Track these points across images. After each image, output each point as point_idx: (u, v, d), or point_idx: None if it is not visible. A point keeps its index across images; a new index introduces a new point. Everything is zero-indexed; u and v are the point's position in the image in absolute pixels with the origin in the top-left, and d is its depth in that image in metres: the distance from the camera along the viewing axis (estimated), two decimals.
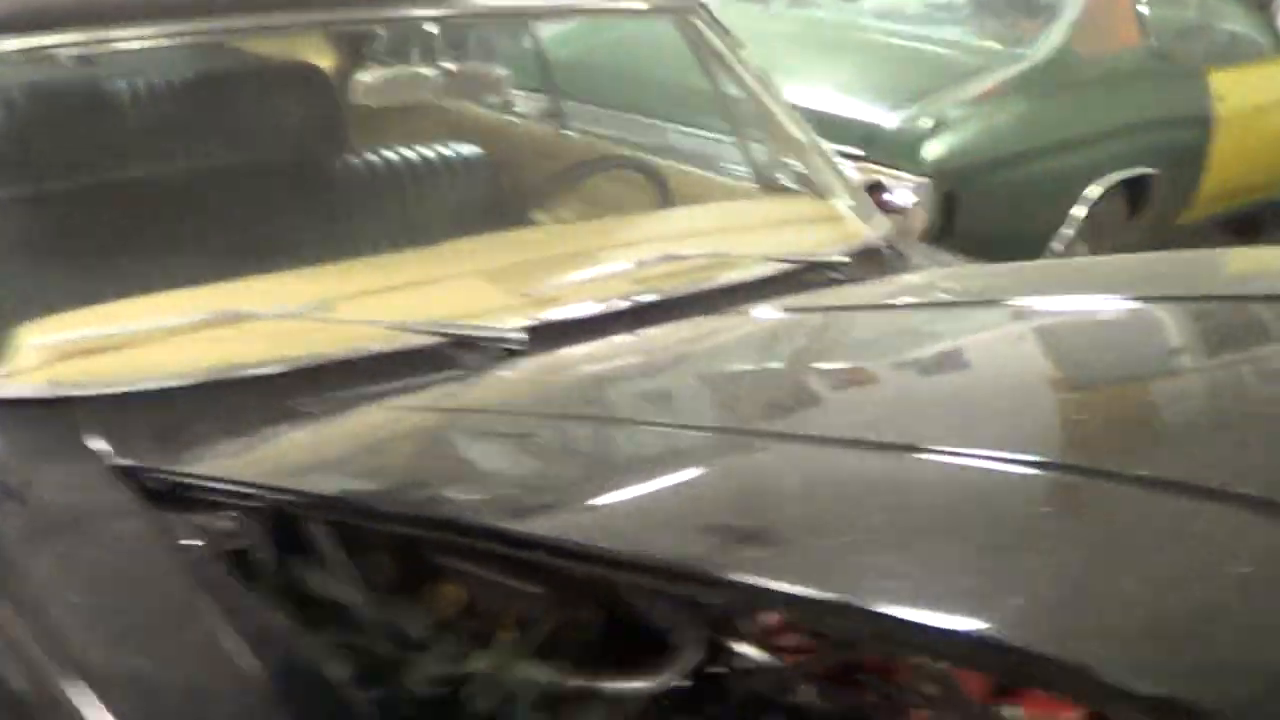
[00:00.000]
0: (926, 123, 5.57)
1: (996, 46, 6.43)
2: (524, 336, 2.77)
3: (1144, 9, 6.69)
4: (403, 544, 1.87)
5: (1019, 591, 1.22)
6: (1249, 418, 1.64)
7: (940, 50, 6.34)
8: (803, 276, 3.25)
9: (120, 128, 4.15)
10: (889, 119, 5.62)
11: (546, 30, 6.43)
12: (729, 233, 3.44)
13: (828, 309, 2.68)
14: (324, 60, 4.90)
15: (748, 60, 3.90)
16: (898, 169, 5.48)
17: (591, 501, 1.73)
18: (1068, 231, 6.06)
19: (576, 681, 1.66)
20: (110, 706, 1.81)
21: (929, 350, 2.22)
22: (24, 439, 2.46)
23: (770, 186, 3.94)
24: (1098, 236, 6.39)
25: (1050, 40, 6.30)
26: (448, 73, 3.41)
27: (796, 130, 3.83)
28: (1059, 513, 1.37)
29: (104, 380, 2.58)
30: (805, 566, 1.37)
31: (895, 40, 6.49)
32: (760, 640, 1.58)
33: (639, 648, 1.65)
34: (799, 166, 3.84)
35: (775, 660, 1.55)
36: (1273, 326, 2.06)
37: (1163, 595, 1.21)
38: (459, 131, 4.46)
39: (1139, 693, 1.08)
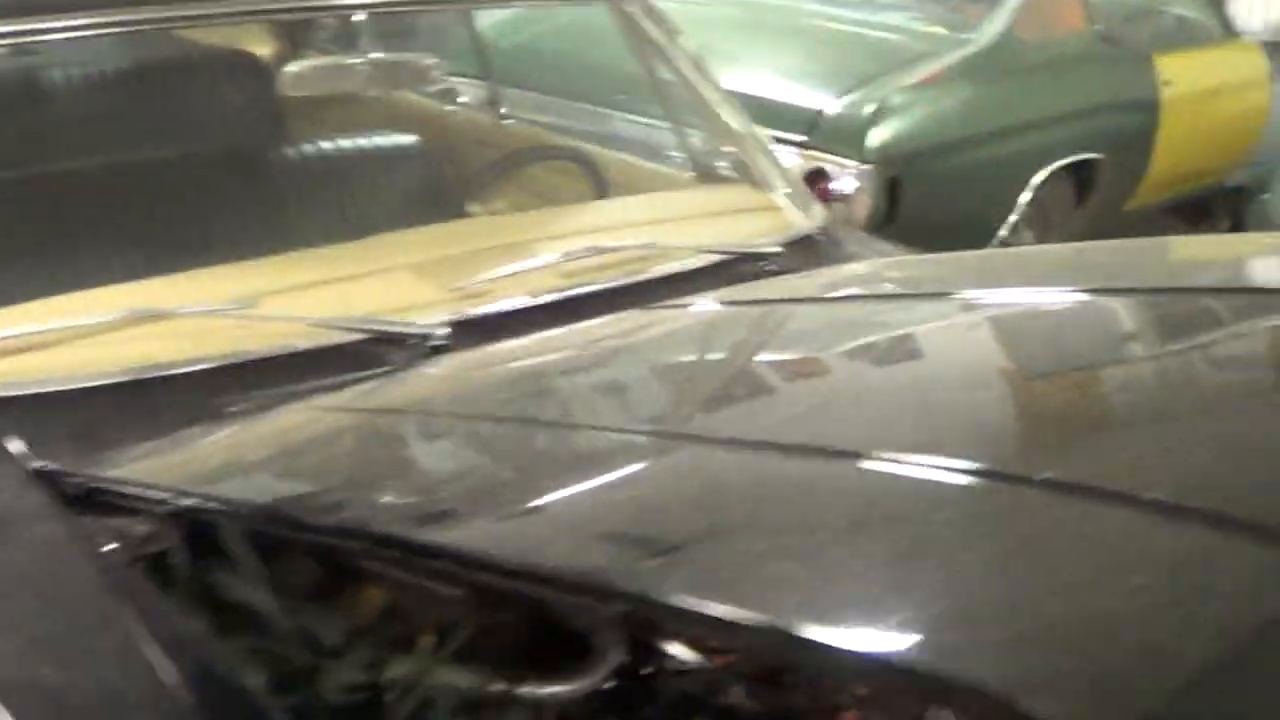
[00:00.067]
0: (869, 109, 5.54)
1: (941, 31, 6.39)
2: (447, 332, 2.74)
3: None
4: (320, 548, 1.84)
5: (915, 604, 1.20)
6: (1172, 418, 1.61)
7: (884, 35, 6.31)
8: (736, 268, 3.22)
9: (44, 120, 4.09)
10: (832, 105, 5.58)
11: (492, 17, 6.42)
12: (662, 223, 3.41)
13: (765, 302, 2.65)
14: (264, 50, 4.87)
15: (683, 47, 3.86)
16: (841, 156, 5.45)
17: (494, 508, 1.70)
18: (1014, 218, 6.03)
19: (497, 686, 1.63)
20: (21, 716, 1.78)
21: (858, 347, 2.19)
22: None
23: (707, 175, 3.92)
24: (1044, 224, 6.37)
25: (994, 25, 6.27)
26: (375, 63, 3.37)
27: (732, 118, 3.81)
28: (965, 519, 1.34)
29: (21, 381, 2.54)
30: (699, 577, 1.34)
31: (839, 25, 6.45)
32: (688, 641, 1.55)
33: (563, 650, 1.62)
34: (735, 155, 3.81)
35: (704, 661, 1.52)
36: (1208, 321, 2.04)
37: (1059, 607, 1.19)
38: (399, 121, 4.41)
39: (1031, 712, 1.05)
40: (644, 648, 1.54)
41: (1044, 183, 6.16)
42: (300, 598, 1.85)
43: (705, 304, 2.66)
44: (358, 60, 3.38)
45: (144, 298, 2.79)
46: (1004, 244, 6.02)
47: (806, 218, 3.56)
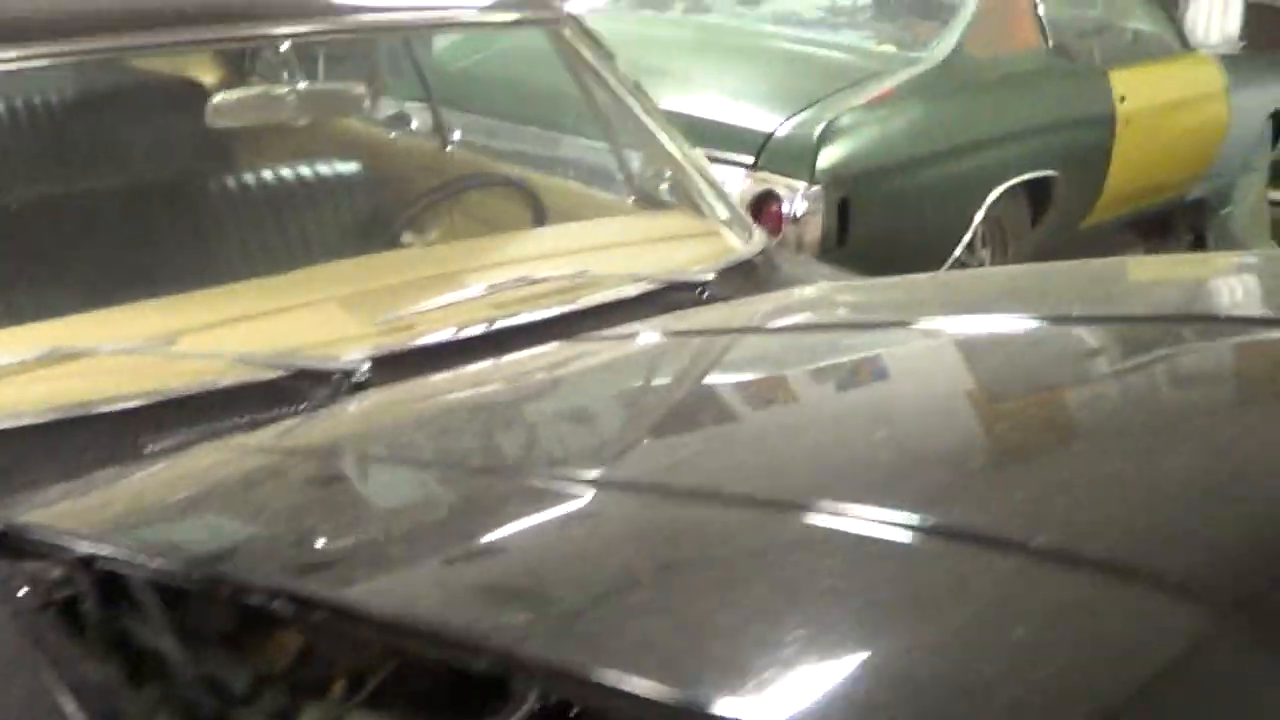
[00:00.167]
0: (818, 129, 5.48)
1: (892, 50, 6.35)
2: (367, 367, 2.71)
3: (1042, 9, 6.63)
4: (225, 596, 1.79)
5: (780, 664, 1.14)
6: (1083, 456, 1.56)
7: (835, 55, 6.26)
8: (670, 296, 3.18)
9: None
10: (781, 126, 5.53)
11: (442, 41, 6.39)
12: (597, 251, 3.37)
13: (702, 333, 2.60)
14: (209, 77, 4.83)
15: (619, 71, 3.82)
16: (791, 177, 5.40)
17: (379, 557, 1.65)
18: (968, 237, 5.99)
19: None
20: None
21: (772, 383, 2.14)
22: None
23: (647, 200, 3.87)
24: (1000, 242, 6.34)
25: (945, 43, 6.22)
26: (303, 92, 3.32)
27: (669, 142, 3.76)
28: (846, 569, 1.30)
29: None
30: (560, 634, 1.30)
31: (790, 45, 6.39)
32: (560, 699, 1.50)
33: (478, 697, 1.57)
34: (673, 179, 3.77)
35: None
36: (1150, 352, 1.99)
37: (930, 666, 1.14)
38: (340, 148, 4.37)
39: None
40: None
41: (998, 201, 6.10)
42: (210, 644, 1.81)
43: (646, 334, 2.61)
44: (285, 89, 3.31)
45: (65, 335, 2.75)
46: (959, 264, 5.98)
47: (745, 243, 3.52)
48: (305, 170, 4.01)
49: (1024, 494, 1.41)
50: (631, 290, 3.16)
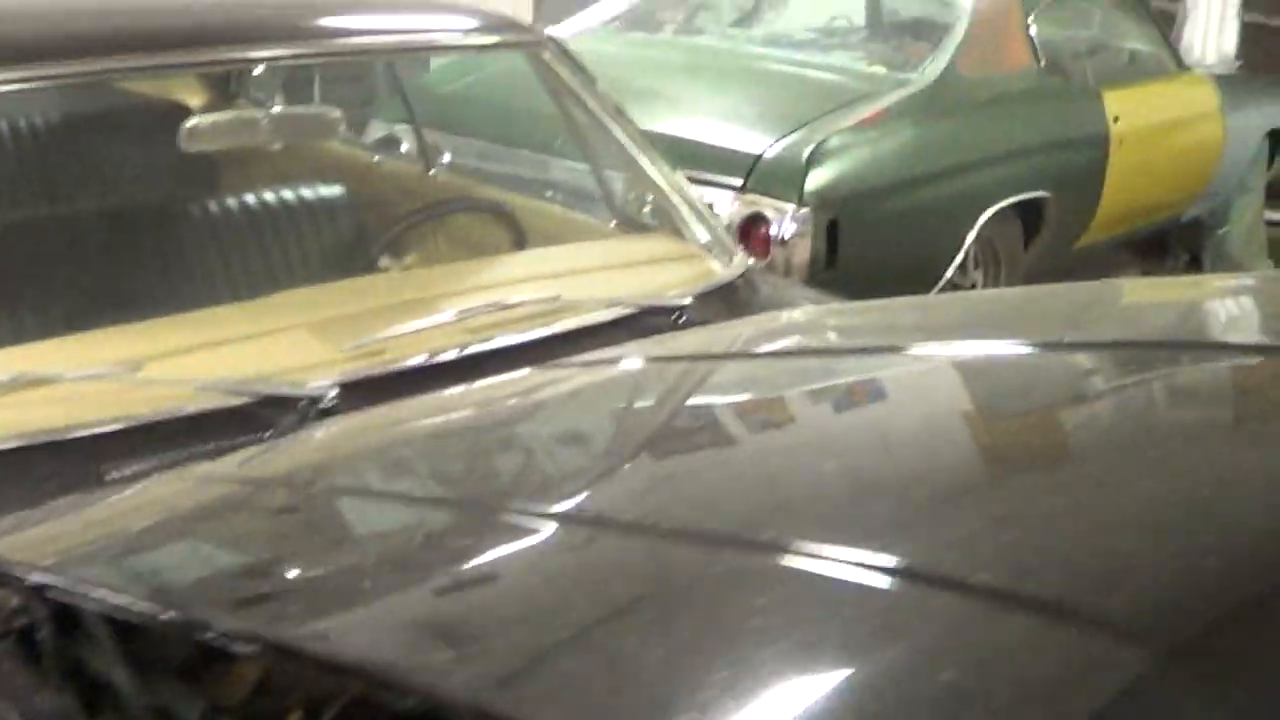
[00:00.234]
0: (806, 151, 5.45)
1: (882, 71, 6.33)
2: (333, 394, 2.69)
3: (1034, 30, 6.60)
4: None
5: (694, 707, 1.11)
6: (1037, 490, 1.53)
7: (826, 77, 6.24)
8: (647, 320, 3.15)
9: None
10: (769, 148, 5.51)
11: (430, 66, 6.38)
12: (573, 275, 3.35)
13: (681, 358, 2.56)
14: (195, 99, 4.81)
15: (600, 94, 3.79)
16: (780, 200, 5.37)
17: (314, 591, 1.63)
18: (960, 259, 5.96)
19: None
20: None
21: (735, 413, 2.11)
22: None
23: (629, 224, 3.85)
24: (993, 264, 6.31)
25: (935, 64, 6.19)
26: (276, 116, 3.30)
27: (649, 165, 3.74)
28: (776, 607, 1.26)
29: None
30: (485, 673, 1.27)
31: (781, 67, 6.37)
32: None
33: None
34: (655, 203, 3.74)
35: None
36: (1128, 382, 1.95)
37: (856, 707, 1.11)
38: (323, 172, 4.35)
39: None
40: None
41: (990, 222, 6.07)
42: (164, 676, 1.78)
43: (621, 360, 2.58)
44: (258, 113, 3.29)
45: (33, 361, 2.75)
46: (951, 286, 5.95)
47: (726, 266, 3.49)
48: (285, 194, 3.98)
49: (969, 529, 1.38)
50: (606, 315, 3.13)
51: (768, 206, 5.38)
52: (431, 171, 4.45)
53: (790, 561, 1.34)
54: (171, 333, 2.93)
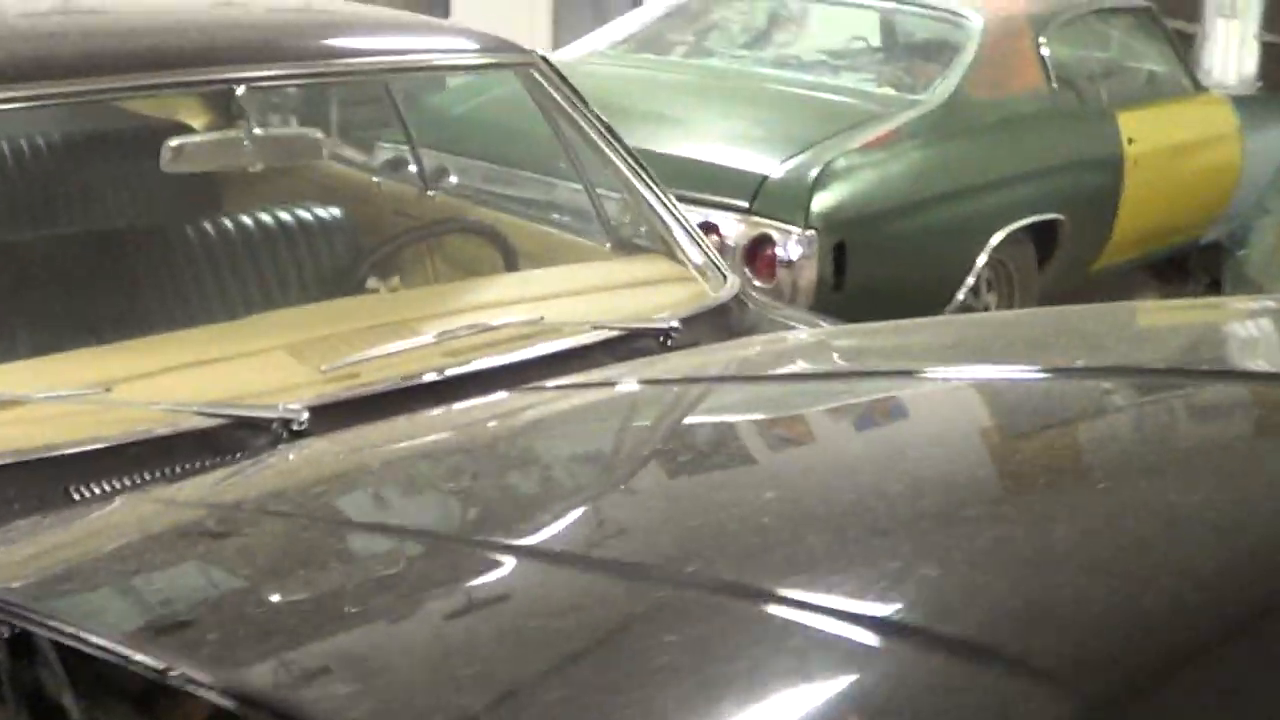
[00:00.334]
0: (813, 173, 5.40)
1: (892, 93, 6.29)
2: (305, 416, 2.65)
3: (1047, 51, 6.55)
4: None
5: None
6: (971, 527, 1.47)
7: (835, 98, 6.19)
8: (633, 343, 3.10)
9: None
10: (775, 169, 5.46)
11: (440, 87, 6.36)
12: (560, 297, 3.31)
13: (667, 381, 2.51)
14: (197, 120, 4.79)
15: (591, 114, 3.75)
16: (786, 222, 5.33)
17: (231, 620, 1.58)
18: (970, 281, 5.90)
19: None
20: None
21: (689, 439, 2.05)
22: None
23: (624, 245, 3.81)
24: (1006, 286, 6.25)
25: (945, 85, 6.15)
26: (260, 138, 3.27)
27: (641, 185, 3.69)
28: (685, 644, 1.21)
29: None
30: (380, 708, 1.22)
31: (790, 89, 6.33)
32: None
33: None
34: (646, 223, 3.70)
35: None
36: (1095, 409, 1.89)
37: None
38: (320, 193, 4.33)
39: None
40: None
41: (1003, 245, 6.01)
42: (118, 704, 1.74)
43: (607, 383, 2.53)
44: (240, 135, 3.26)
45: (3, 382, 2.73)
46: (963, 307, 5.89)
47: (718, 288, 3.44)
48: (277, 215, 3.96)
49: (895, 564, 1.32)
50: (591, 338, 3.09)
51: (774, 228, 5.33)
52: (430, 193, 4.41)
53: (709, 597, 1.29)
54: (146, 354, 2.92)
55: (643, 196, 3.67)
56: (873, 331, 2.66)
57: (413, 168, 4.81)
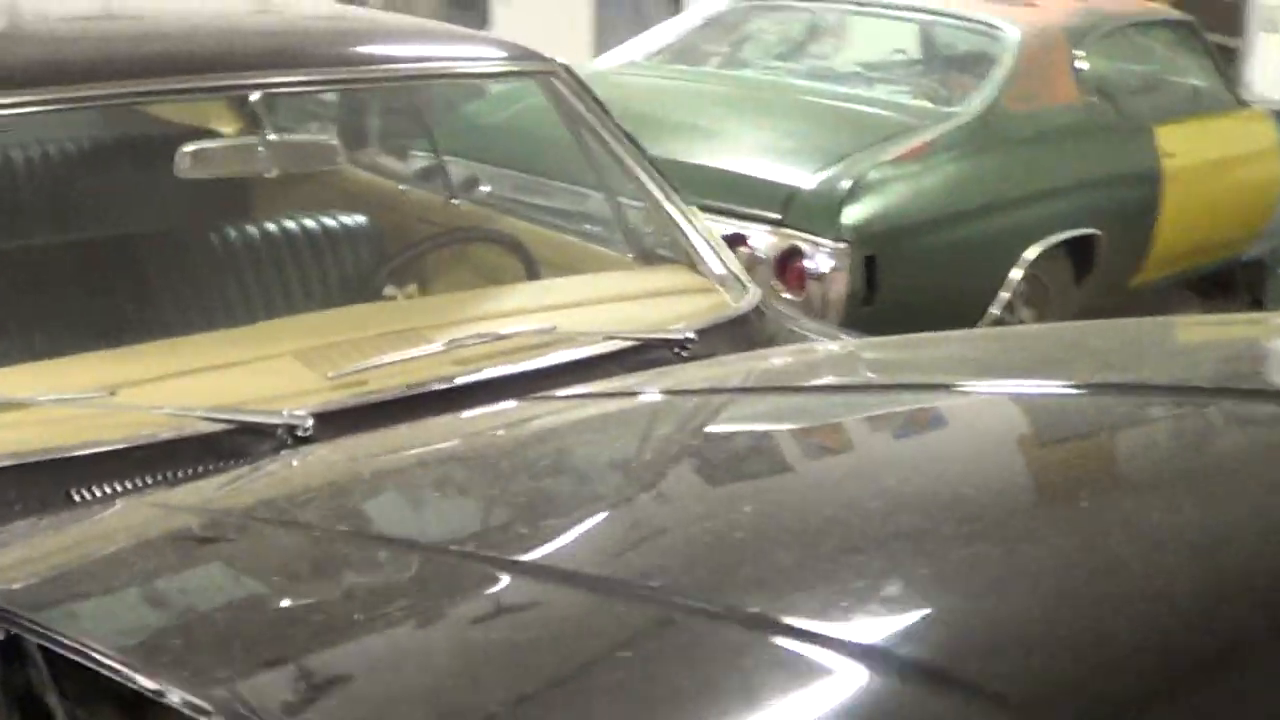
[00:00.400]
0: (844, 185, 5.37)
1: (927, 105, 6.24)
2: (308, 423, 2.63)
3: (1084, 65, 6.50)
4: None
5: None
6: (943, 547, 1.42)
7: (868, 110, 6.15)
8: (647, 354, 3.07)
9: None
10: (807, 181, 5.43)
11: (479, 95, 6.34)
12: (578, 307, 3.28)
13: (690, 393, 2.47)
14: (228, 127, 4.78)
15: (612, 123, 3.72)
16: (816, 234, 5.29)
17: (198, 630, 1.56)
18: (1005, 295, 5.84)
19: None
20: None
21: (678, 452, 2.02)
22: None
23: (647, 255, 3.78)
24: (1042, 301, 6.18)
25: (980, 98, 6.10)
26: (275, 144, 3.25)
27: (662, 195, 3.66)
28: (639, 661, 1.18)
29: None
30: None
31: (825, 101, 6.30)
32: None
33: None
34: (666, 232, 3.67)
35: None
36: (1092, 427, 1.84)
37: None
38: (347, 200, 4.32)
39: None
40: None
41: (1039, 260, 5.95)
42: (107, 710, 1.72)
43: (635, 393, 2.50)
44: (255, 141, 3.25)
45: (11, 385, 2.72)
46: (997, 323, 5.84)
47: (738, 300, 3.40)
48: (301, 222, 3.95)
49: (861, 582, 1.29)
50: (604, 348, 3.06)
51: (804, 241, 5.30)
52: (454, 201, 4.39)
53: (668, 612, 1.26)
54: (155, 359, 2.91)
55: (663, 206, 3.64)
56: (883, 344, 2.62)
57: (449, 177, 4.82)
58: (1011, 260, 5.85)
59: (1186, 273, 7.41)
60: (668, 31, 7.24)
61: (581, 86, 3.73)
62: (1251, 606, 1.20)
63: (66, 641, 1.61)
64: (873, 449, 1.80)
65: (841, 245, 5.26)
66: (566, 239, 4.06)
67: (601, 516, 1.69)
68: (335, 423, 2.65)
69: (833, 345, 3.01)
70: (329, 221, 3.95)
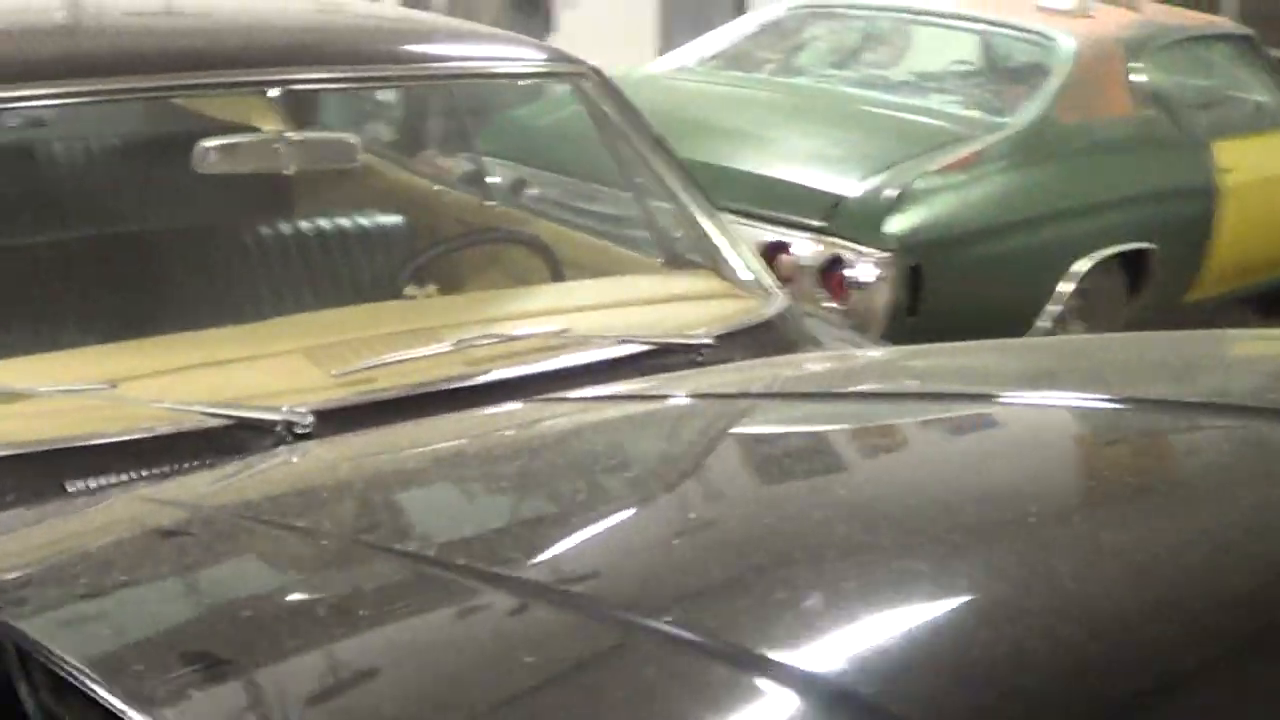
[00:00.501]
0: (890, 194, 5.31)
1: (978, 115, 6.18)
2: (308, 420, 2.61)
3: (1140, 78, 6.42)
4: None
5: None
6: (877, 564, 1.38)
7: (919, 119, 6.09)
8: (662, 358, 3.04)
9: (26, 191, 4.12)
10: (851, 189, 5.38)
11: (530, 98, 6.33)
12: (596, 309, 3.25)
13: (699, 398, 2.44)
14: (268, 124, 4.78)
15: (643, 126, 3.69)
16: (860, 243, 5.24)
17: (150, 631, 1.54)
18: (1054, 308, 5.77)
19: None
20: None
21: (658, 459, 1.98)
22: None
23: (677, 259, 3.74)
24: (1093, 315, 6.10)
25: (1032, 109, 6.03)
26: (294, 141, 3.24)
27: (690, 200, 3.63)
28: (576, 674, 1.16)
29: None
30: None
31: (875, 109, 6.24)
32: None
33: None
34: (693, 236, 3.64)
35: None
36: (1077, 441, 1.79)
37: None
38: (380, 199, 4.32)
39: None
40: None
41: (1090, 273, 5.87)
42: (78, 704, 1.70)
43: (643, 397, 2.46)
44: (274, 138, 3.24)
45: (16, 376, 2.73)
46: (1047, 334, 5.77)
47: (762, 306, 3.36)
48: (330, 221, 3.95)
49: (782, 594, 1.25)
50: (617, 352, 3.03)
51: (847, 249, 5.25)
52: (489, 203, 4.37)
53: (629, 636, 1.23)
54: (161, 353, 2.90)
55: (690, 211, 3.61)
56: (900, 354, 2.58)
57: (491, 179, 4.80)
58: (1061, 273, 5.79)
59: (1244, 289, 7.29)
60: (722, 37, 7.21)
61: (612, 89, 3.70)
62: (1182, 631, 1.16)
63: (28, 643, 1.59)
64: (843, 462, 1.77)
65: (885, 254, 5.21)
66: (595, 242, 4.04)
67: (583, 527, 1.66)
68: (337, 420, 2.63)
69: (852, 353, 2.96)
70: (358, 221, 3.95)
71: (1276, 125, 7.21)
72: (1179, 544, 1.31)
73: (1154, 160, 6.37)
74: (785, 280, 5.12)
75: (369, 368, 2.81)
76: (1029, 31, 6.53)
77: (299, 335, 2.98)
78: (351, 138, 3.59)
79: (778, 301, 3.41)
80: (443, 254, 3.83)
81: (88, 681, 1.42)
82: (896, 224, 5.26)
